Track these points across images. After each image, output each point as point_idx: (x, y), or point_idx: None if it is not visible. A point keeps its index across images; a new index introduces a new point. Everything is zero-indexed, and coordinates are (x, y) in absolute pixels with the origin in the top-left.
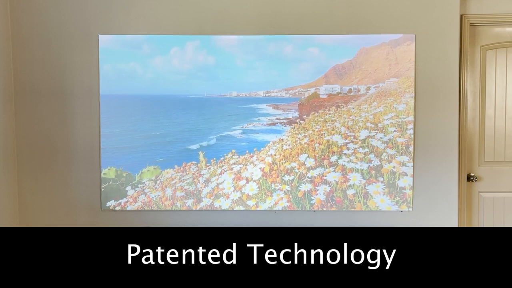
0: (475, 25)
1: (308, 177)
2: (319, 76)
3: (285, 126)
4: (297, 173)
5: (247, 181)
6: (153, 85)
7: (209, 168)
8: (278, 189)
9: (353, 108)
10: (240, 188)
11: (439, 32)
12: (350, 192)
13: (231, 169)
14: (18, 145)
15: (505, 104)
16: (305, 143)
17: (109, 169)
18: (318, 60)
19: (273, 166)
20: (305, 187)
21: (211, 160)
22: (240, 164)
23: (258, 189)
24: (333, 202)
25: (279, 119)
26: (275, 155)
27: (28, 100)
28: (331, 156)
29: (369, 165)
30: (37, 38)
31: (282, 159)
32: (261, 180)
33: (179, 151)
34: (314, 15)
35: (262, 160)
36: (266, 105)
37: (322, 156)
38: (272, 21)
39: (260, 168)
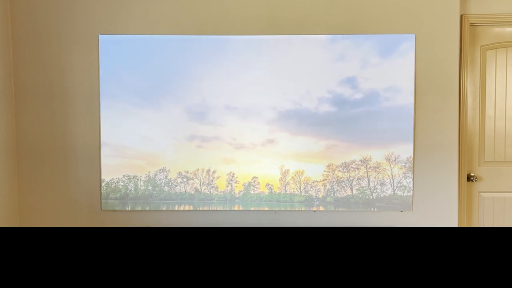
0: (475, 25)
1: (308, 176)
2: None
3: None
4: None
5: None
6: (153, 85)
7: (209, 169)
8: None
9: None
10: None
11: (439, 32)
12: (350, 191)
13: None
14: (18, 145)
15: (505, 104)
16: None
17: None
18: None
19: (272, 166)
20: (306, 186)
21: (210, 161)
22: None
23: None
24: (333, 202)
25: None
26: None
27: (28, 100)
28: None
29: (369, 165)
30: (37, 38)
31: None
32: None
33: (179, 152)
34: (314, 16)
35: (263, 158)
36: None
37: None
38: (272, 21)
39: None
